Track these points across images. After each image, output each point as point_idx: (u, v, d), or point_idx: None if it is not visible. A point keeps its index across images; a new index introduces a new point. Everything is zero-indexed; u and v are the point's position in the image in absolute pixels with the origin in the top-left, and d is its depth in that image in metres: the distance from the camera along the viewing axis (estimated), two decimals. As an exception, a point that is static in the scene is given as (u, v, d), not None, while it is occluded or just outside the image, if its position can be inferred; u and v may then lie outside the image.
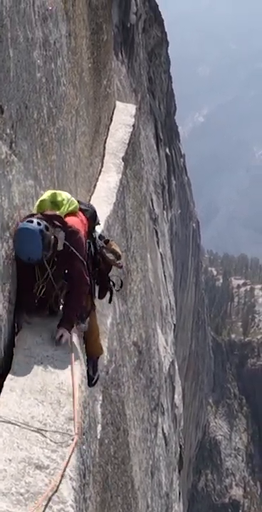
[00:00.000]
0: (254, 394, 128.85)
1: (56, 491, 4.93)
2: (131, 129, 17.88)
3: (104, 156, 15.74)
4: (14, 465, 4.99)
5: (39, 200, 6.97)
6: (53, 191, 7.11)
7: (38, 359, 6.33)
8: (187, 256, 72.28)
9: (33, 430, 5.42)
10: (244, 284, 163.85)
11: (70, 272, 7.01)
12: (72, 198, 7.27)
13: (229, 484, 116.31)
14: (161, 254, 35.20)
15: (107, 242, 8.23)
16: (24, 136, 6.83)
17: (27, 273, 6.65)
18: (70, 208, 7.13)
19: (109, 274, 8.23)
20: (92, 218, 7.75)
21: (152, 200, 33.01)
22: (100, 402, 10.71)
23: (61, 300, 7.20)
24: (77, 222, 7.14)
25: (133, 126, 18.20)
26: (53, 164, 8.46)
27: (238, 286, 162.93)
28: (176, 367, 38.10)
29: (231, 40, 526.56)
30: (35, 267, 6.72)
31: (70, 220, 6.99)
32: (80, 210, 7.48)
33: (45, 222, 6.53)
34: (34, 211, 6.84)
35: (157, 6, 44.83)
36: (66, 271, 7.02)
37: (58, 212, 6.89)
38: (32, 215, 6.64)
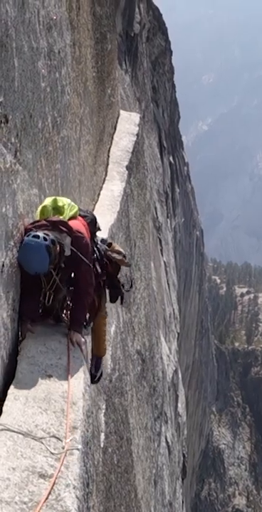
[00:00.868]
0: (258, 402, 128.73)
1: (60, 499, 4.93)
2: (135, 138, 17.92)
3: (108, 164, 15.77)
4: (18, 474, 4.99)
5: (41, 206, 6.95)
6: (52, 197, 7.10)
7: (42, 367, 6.33)
8: (191, 264, 72.25)
9: (36, 439, 5.42)
10: (248, 293, 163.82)
11: (77, 276, 7.06)
12: (72, 203, 7.27)
13: (232, 493, 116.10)
14: (164, 263, 35.22)
15: (110, 245, 8.25)
16: (29, 145, 6.84)
17: (31, 280, 6.66)
18: (71, 213, 7.14)
19: (118, 275, 8.26)
20: (91, 224, 7.75)
21: (155, 208, 33.03)
22: (104, 410, 10.71)
23: (67, 305, 7.25)
24: (80, 226, 7.15)
25: (137, 135, 18.24)
26: (57, 173, 8.49)
27: (242, 295, 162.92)
28: (180, 375, 38.07)
29: (235, 48, 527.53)
30: (41, 275, 6.75)
31: (75, 225, 7.00)
32: (80, 215, 7.49)
33: (51, 236, 6.51)
34: (37, 218, 6.83)
35: (161, 15, 44.92)
36: (72, 274, 7.06)
37: (61, 218, 6.90)
38: (37, 222, 6.65)
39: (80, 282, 7.10)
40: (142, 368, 17.12)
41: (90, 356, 8.51)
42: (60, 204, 6.98)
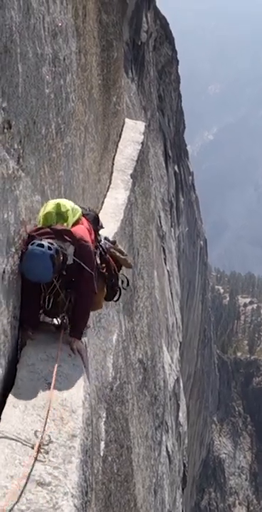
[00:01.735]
0: (259, 412, 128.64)
1: (57, 508, 4.91)
2: (140, 147, 17.92)
3: (112, 172, 15.76)
4: (16, 482, 4.97)
5: (44, 212, 6.87)
6: (55, 202, 7.01)
7: (42, 375, 6.31)
8: (194, 274, 72.19)
9: (35, 447, 5.39)
10: (251, 303, 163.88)
11: (79, 283, 7.03)
12: (75, 206, 7.23)
13: (233, 503, 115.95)
14: (168, 272, 35.19)
15: (114, 243, 8.27)
16: (32, 151, 6.83)
17: (31, 287, 6.63)
18: (75, 218, 7.11)
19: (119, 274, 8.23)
20: (94, 222, 7.75)
21: (159, 217, 33.02)
22: (104, 419, 10.68)
23: (68, 308, 7.22)
24: (84, 232, 7.13)
25: (142, 143, 18.24)
26: (60, 180, 8.47)
27: (245, 305, 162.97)
28: (181, 385, 38.01)
29: (242, 59, 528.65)
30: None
31: (79, 232, 6.97)
32: (82, 215, 7.46)
33: (56, 245, 6.49)
34: (39, 224, 6.78)
35: (168, 24, 44.95)
36: (73, 280, 7.02)
37: (65, 225, 6.86)
38: (41, 229, 6.63)
39: (82, 290, 7.07)
40: (144, 376, 17.08)
41: (90, 364, 8.48)
42: (63, 210, 6.92)
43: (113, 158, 16.23)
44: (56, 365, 6.35)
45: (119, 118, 17.05)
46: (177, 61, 50.58)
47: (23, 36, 6.24)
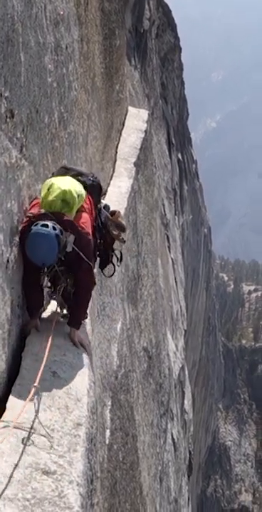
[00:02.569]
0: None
1: (63, 496, 4.92)
2: (143, 135, 17.88)
3: (115, 161, 15.73)
4: (21, 470, 4.98)
5: (49, 199, 6.62)
6: (62, 187, 6.69)
7: (46, 364, 6.31)
8: (198, 261, 72.21)
9: (40, 435, 5.40)
10: (255, 290, 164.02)
11: (78, 274, 6.96)
12: (81, 190, 7.03)
13: (238, 490, 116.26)
14: (172, 260, 35.18)
15: (113, 213, 8.09)
16: (35, 140, 6.81)
17: (32, 271, 6.58)
18: (80, 203, 7.00)
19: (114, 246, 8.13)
20: (97, 192, 7.63)
21: (163, 205, 32.99)
22: (109, 407, 10.69)
23: (69, 294, 7.17)
24: (87, 220, 7.03)
25: (145, 131, 18.20)
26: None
27: (249, 292, 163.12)
28: (186, 372, 38.05)
29: (245, 46, 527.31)
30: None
31: (81, 222, 6.90)
32: (84, 184, 7.29)
33: (59, 226, 6.42)
34: (43, 210, 6.59)
35: (170, 11, 44.85)
36: (71, 268, 6.95)
37: (68, 214, 6.73)
38: (43, 215, 6.48)
39: (81, 280, 7.00)
40: (149, 364, 17.10)
41: (95, 352, 8.48)
42: (70, 198, 6.70)
43: (116, 147, 16.21)
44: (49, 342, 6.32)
45: (122, 106, 17.02)
46: (180, 48, 50.47)
47: (25, 25, 6.22)
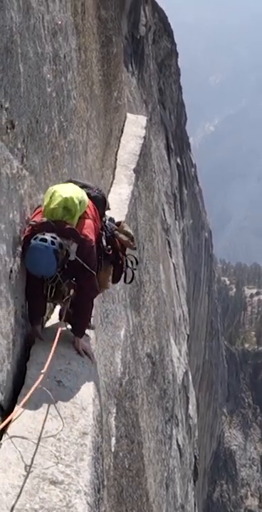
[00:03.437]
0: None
1: (71, 506, 4.91)
2: (142, 141, 17.91)
3: (115, 168, 15.76)
4: (28, 481, 4.98)
5: (51, 206, 6.59)
6: (63, 194, 6.66)
7: (51, 373, 6.31)
8: (200, 266, 72.17)
9: (46, 445, 5.40)
10: (257, 293, 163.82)
11: (80, 282, 6.93)
12: (83, 196, 6.99)
13: (244, 494, 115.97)
14: (173, 265, 35.20)
15: (118, 224, 8.09)
16: (35, 150, 6.83)
17: (34, 281, 6.59)
18: (82, 210, 6.95)
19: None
20: (101, 204, 7.59)
21: (163, 210, 33.02)
22: (114, 414, 10.69)
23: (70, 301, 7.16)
24: (89, 228, 6.97)
25: (144, 137, 18.24)
26: (64, 177, 8.45)
27: (251, 296, 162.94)
28: (190, 377, 38.03)
29: (242, 49, 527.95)
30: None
31: (83, 231, 6.82)
32: (89, 196, 7.27)
33: (59, 239, 6.38)
34: (45, 218, 6.57)
35: (167, 17, 44.89)
36: (74, 275, 6.94)
37: (70, 222, 6.67)
38: (44, 224, 6.47)
39: (84, 289, 6.98)
40: (153, 370, 17.10)
41: (99, 360, 8.48)
42: (71, 205, 6.66)
43: (116, 154, 16.24)
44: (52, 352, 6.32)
45: (120, 113, 17.05)
46: (177, 53, 50.52)
47: (23, 36, 6.24)
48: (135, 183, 15.93)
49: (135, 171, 16.22)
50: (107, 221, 7.88)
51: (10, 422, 5.43)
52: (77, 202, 6.74)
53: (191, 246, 63.03)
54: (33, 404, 5.72)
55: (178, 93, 54.82)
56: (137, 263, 8.38)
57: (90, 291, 7.09)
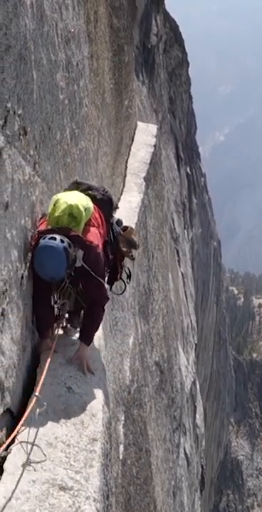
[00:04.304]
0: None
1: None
2: (152, 149, 17.94)
3: (125, 176, 15.79)
4: (38, 486, 4.98)
5: (56, 214, 6.50)
6: (68, 202, 6.56)
7: (61, 379, 6.32)
8: (208, 275, 72.11)
9: (56, 451, 5.41)
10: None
11: (89, 290, 6.85)
12: (88, 204, 6.91)
13: (251, 504, 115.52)
14: (182, 274, 35.19)
15: (125, 229, 7.90)
16: (47, 157, 6.85)
17: (42, 288, 6.48)
18: (88, 217, 6.87)
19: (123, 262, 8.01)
20: (108, 206, 7.47)
21: (173, 219, 33.05)
22: (123, 422, 10.69)
23: (81, 309, 7.13)
24: (95, 234, 6.90)
25: (154, 146, 18.26)
26: (74, 184, 8.47)
27: (260, 305, 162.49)
28: (198, 386, 37.99)
29: (250, 58, 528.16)
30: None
31: (89, 236, 6.76)
32: (94, 201, 7.17)
33: (67, 239, 6.29)
34: (50, 225, 6.47)
35: (178, 26, 45.02)
36: (81, 283, 6.88)
37: (75, 229, 6.55)
38: (50, 231, 6.35)
39: (93, 297, 6.91)
40: (161, 379, 17.10)
41: (108, 367, 8.48)
42: (77, 212, 6.58)
43: (126, 162, 16.27)
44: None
45: (131, 121, 17.09)
46: (187, 63, 50.64)
47: (37, 43, 6.26)
48: (145, 191, 15.95)
49: (145, 179, 16.25)
50: (113, 223, 7.74)
51: (20, 427, 5.44)
52: (82, 209, 6.65)
53: (200, 255, 62.99)
54: (43, 410, 5.72)
55: (188, 102, 54.92)
56: (130, 277, 8.29)
57: (102, 300, 7.00)
